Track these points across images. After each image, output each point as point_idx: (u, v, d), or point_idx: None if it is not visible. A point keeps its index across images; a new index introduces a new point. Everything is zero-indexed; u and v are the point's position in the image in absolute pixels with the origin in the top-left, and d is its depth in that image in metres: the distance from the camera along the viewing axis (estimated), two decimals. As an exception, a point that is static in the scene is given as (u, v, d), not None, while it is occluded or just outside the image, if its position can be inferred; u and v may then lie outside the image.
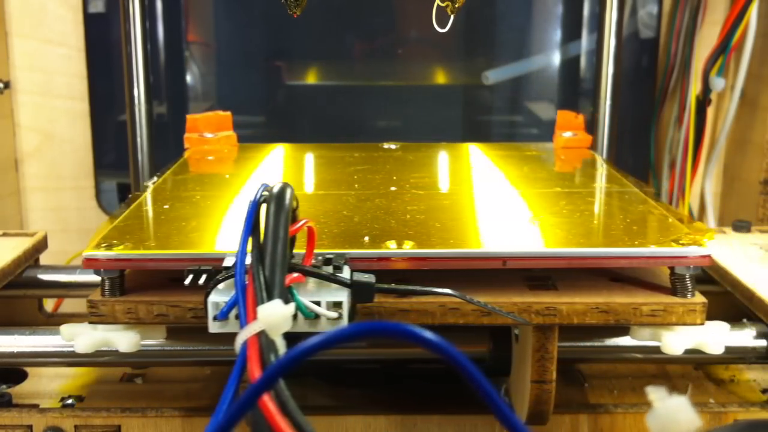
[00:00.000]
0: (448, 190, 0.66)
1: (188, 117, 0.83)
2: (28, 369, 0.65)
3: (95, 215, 1.10)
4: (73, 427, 0.57)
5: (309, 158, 0.80)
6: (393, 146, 0.84)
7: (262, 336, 0.36)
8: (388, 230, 0.55)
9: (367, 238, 0.53)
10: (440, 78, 1.13)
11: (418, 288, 0.50)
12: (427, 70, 1.13)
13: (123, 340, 0.51)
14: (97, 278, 0.69)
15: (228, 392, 0.35)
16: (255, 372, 0.35)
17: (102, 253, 0.50)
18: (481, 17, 1.09)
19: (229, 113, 0.84)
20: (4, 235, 0.73)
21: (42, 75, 1.06)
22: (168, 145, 1.11)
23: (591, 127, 1.00)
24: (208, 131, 0.83)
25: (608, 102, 0.98)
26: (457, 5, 0.61)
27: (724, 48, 0.97)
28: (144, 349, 0.55)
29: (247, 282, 0.41)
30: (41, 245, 0.72)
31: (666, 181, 1.07)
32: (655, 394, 0.31)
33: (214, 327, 0.45)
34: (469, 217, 0.58)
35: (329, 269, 0.47)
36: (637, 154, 1.10)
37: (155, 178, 0.70)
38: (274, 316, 0.37)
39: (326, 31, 1.10)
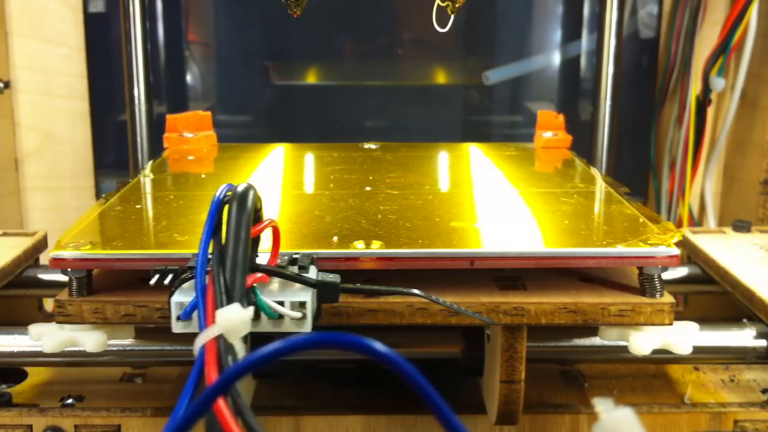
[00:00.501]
0: (422, 191, 0.66)
1: (168, 117, 0.83)
2: (28, 368, 0.65)
3: (95, 215, 1.10)
4: (73, 427, 0.57)
5: (288, 158, 0.80)
6: (373, 146, 0.84)
7: (220, 340, 0.36)
8: (358, 230, 0.55)
9: (335, 238, 0.53)
10: (440, 78, 1.13)
11: (384, 288, 0.50)
12: (427, 70, 1.13)
13: (89, 339, 0.52)
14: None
15: (186, 395, 0.35)
16: (212, 375, 0.35)
17: (69, 253, 0.50)
18: (482, 17, 1.09)
19: (209, 113, 0.84)
20: (4, 234, 0.73)
21: (42, 75, 1.06)
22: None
23: (591, 127, 1.01)
24: (188, 131, 0.83)
25: (608, 102, 0.98)
26: (457, 5, 0.61)
27: (725, 48, 0.97)
28: (142, 349, 0.55)
29: (207, 283, 0.40)
30: (41, 245, 0.72)
31: (666, 181, 1.07)
32: (602, 405, 0.31)
33: (177, 327, 0.45)
34: (440, 217, 0.58)
35: (294, 269, 0.46)
36: (637, 154, 1.10)
37: (130, 179, 0.69)
38: (232, 321, 0.37)
39: (326, 31, 1.10)
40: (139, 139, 0.99)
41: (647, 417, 0.57)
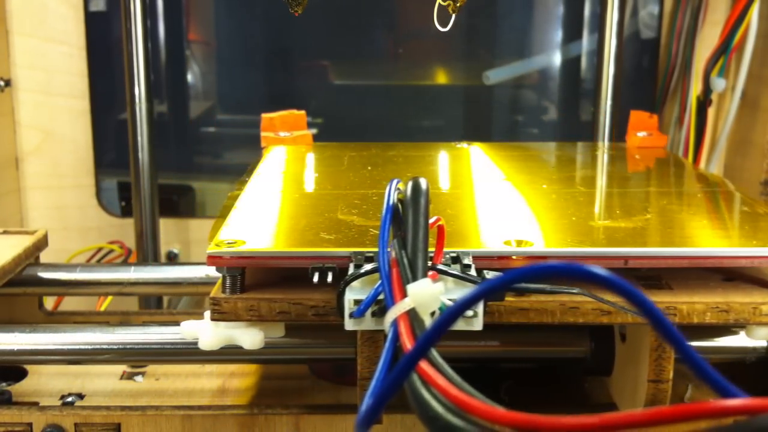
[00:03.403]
0: (543, 189, 0.66)
1: (263, 116, 0.82)
2: (28, 367, 0.65)
3: (96, 214, 1.11)
4: (73, 425, 0.57)
5: (390, 157, 0.79)
6: (465, 144, 0.83)
7: (411, 313, 0.37)
8: (499, 228, 0.54)
9: (484, 236, 0.53)
10: (441, 78, 1.13)
11: (548, 287, 0.49)
12: (427, 70, 1.13)
13: (247, 337, 0.52)
14: (96, 277, 0.71)
15: (383, 367, 0.35)
16: (408, 344, 0.35)
17: (226, 251, 0.50)
18: (483, 17, 1.09)
19: (303, 112, 0.84)
20: (5, 233, 0.73)
21: (43, 73, 1.06)
22: (169, 144, 1.11)
23: (591, 127, 1.01)
24: (284, 130, 0.83)
25: (609, 102, 0.98)
26: (458, 4, 0.61)
27: (725, 48, 0.98)
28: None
29: (390, 266, 0.41)
30: (42, 243, 0.72)
31: (666, 181, 1.07)
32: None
33: (350, 324, 0.45)
34: (576, 216, 0.58)
35: (457, 267, 0.47)
36: (638, 154, 1.10)
37: (245, 176, 0.69)
38: (423, 294, 0.37)
39: (327, 30, 1.10)
40: (139, 137, 0.99)
41: None
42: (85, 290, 0.72)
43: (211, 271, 0.70)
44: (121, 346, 0.58)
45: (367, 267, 0.46)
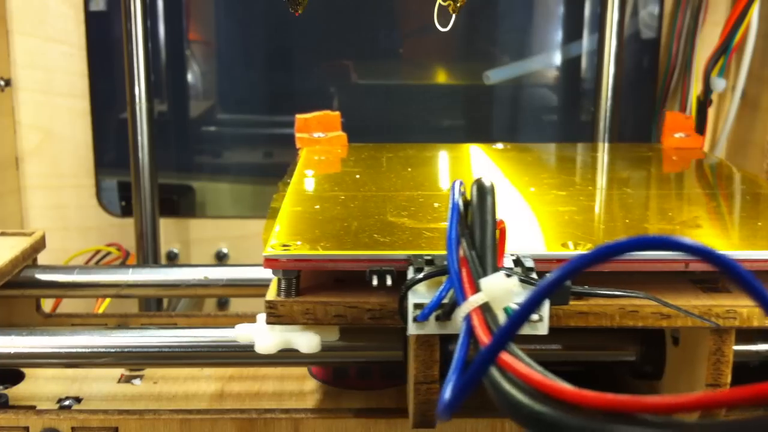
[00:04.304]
0: (587, 191, 0.65)
1: (298, 117, 0.82)
2: (25, 370, 0.65)
3: (96, 213, 1.10)
4: (70, 429, 0.57)
5: (428, 158, 0.79)
6: (500, 146, 0.83)
7: (485, 307, 0.37)
8: (553, 231, 0.54)
9: (541, 240, 0.53)
10: (441, 77, 1.13)
11: (611, 291, 0.49)
12: (428, 70, 1.13)
13: (303, 340, 0.52)
14: (94, 278, 0.71)
15: (459, 361, 0.35)
16: (484, 338, 0.35)
17: (282, 254, 0.50)
18: (484, 17, 1.09)
19: (338, 113, 0.84)
20: (2, 234, 0.73)
21: (43, 73, 1.06)
22: (169, 144, 1.11)
23: (592, 127, 1.00)
24: (319, 131, 0.82)
25: (609, 102, 0.98)
26: (458, 4, 0.61)
27: (726, 48, 0.97)
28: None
29: (459, 263, 0.42)
30: (39, 245, 0.72)
31: (667, 181, 1.07)
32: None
33: (413, 328, 0.45)
34: (629, 218, 0.57)
35: (519, 270, 0.47)
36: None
37: (286, 178, 0.69)
38: (497, 289, 0.37)
39: (327, 30, 1.10)
40: (139, 137, 0.99)
41: None
42: (83, 292, 0.72)
43: (209, 273, 0.70)
44: (119, 349, 0.58)
45: (430, 269, 0.46)
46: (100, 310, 0.87)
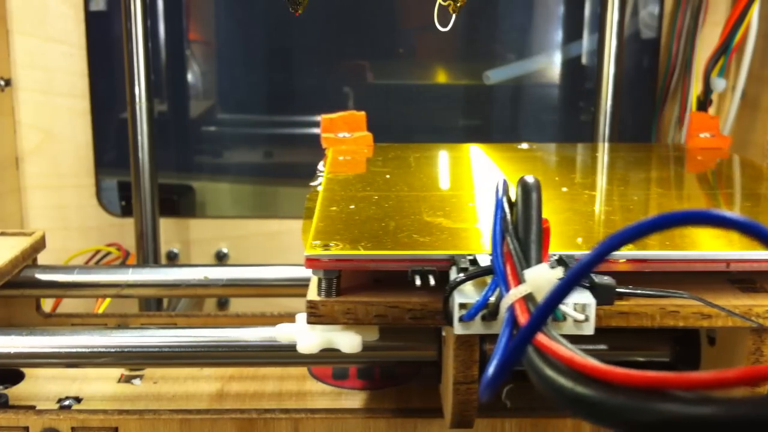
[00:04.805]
0: (617, 191, 0.66)
1: (323, 117, 0.82)
2: (25, 370, 0.65)
3: (96, 213, 1.10)
4: (70, 429, 0.57)
5: (457, 158, 0.79)
6: (525, 146, 0.83)
7: (528, 298, 0.37)
8: (587, 232, 0.54)
9: (580, 239, 0.53)
10: (441, 77, 1.13)
11: (655, 291, 0.49)
12: (428, 70, 1.13)
13: (345, 340, 0.52)
14: (94, 278, 0.71)
15: (503, 345, 0.37)
16: (522, 319, 0.36)
17: (324, 254, 0.50)
18: (484, 17, 1.09)
19: (363, 113, 0.83)
20: (2, 234, 0.73)
21: (43, 73, 1.06)
22: (169, 144, 1.11)
23: (592, 127, 1.00)
24: (344, 131, 0.82)
25: (609, 102, 0.98)
26: (459, 4, 0.61)
27: (726, 49, 0.97)
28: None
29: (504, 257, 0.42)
30: (39, 245, 0.72)
31: (667, 181, 1.07)
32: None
33: (459, 328, 0.45)
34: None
35: (562, 270, 0.47)
36: (638, 154, 1.10)
37: (319, 179, 0.69)
38: (541, 278, 0.38)
39: (327, 29, 1.10)
40: (139, 137, 0.99)
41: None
42: (83, 292, 0.72)
43: (209, 273, 0.71)
44: (118, 349, 0.58)
45: (473, 269, 0.46)
46: (100, 310, 0.87)
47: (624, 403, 0.27)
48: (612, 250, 0.29)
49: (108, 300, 0.87)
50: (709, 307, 0.49)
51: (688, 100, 1.02)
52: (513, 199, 0.46)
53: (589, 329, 0.45)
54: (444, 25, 0.61)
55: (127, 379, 0.65)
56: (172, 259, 1.11)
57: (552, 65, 1.11)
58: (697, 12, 1.02)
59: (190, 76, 1.11)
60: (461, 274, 0.46)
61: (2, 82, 1.04)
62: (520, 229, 0.44)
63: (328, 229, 0.54)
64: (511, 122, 1.14)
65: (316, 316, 0.50)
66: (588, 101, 1.10)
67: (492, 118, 1.14)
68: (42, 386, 0.64)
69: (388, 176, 0.70)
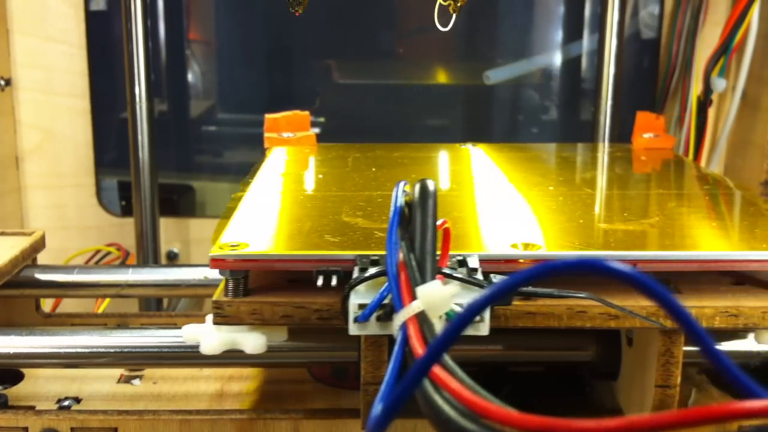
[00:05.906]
0: (550, 192, 0.65)
1: (267, 117, 0.82)
2: (24, 370, 0.65)
3: (96, 213, 1.11)
4: (69, 430, 0.57)
5: (395, 158, 0.79)
6: (470, 146, 0.82)
7: (421, 316, 0.36)
8: (505, 230, 0.54)
9: (489, 239, 0.52)
10: (441, 77, 1.13)
11: (556, 291, 0.49)
12: (428, 70, 1.13)
13: (249, 341, 0.51)
14: (94, 278, 0.71)
15: (392, 371, 0.35)
16: (419, 349, 0.35)
17: (229, 254, 0.50)
18: (484, 17, 1.09)
19: (307, 113, 0.83)
20: (2, 234, 0.73)
21: (43, 72, 1.06)
22: (169, 143, 1.11)
23: (592, 127, 1.00)
24: (288, 131, 0.82)
25: (609, 102, 0.98)
26: (459, 4, 0.61)
27: (726, 49, 0.97)
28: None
29: (398, 268, 0.41)
30: (39, 244, 0.72)
31: (667, 181, 1.07)
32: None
33: (354, 329, 0.45)
34: (584, 219, 0.57)
35: (463, 271, 0.46)
36: (638, 154, 1.10)
37: (248, 178, 0.69)
38: (433, 296, 0.37)
39: (327, 29, 1.10)
40: (139, 136, 0.99)
41: None
42: (83, 292, 0.71)
43: (209, 273, 0.70)
44: (118, 350, 0.58)
45: (373, 270, 0.46)
46: (100, 310, 0.87)
47: None
48: (498, 298, 0.30)
49: (108, 300, 0.87)
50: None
51: (688, 100, 1.02)
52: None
53: (484, 330, 0.45)
54: (444, 25, 0.61)
55: (127, 380, 0.65)
56: (172, 259, 1.11)
57: (552, 65, 1.11)
58: (697, 12, 1.02)
59: (190, 76, 1.11)
60: (360, 275, 0.46)
61: (2, 82, 1.04)
62: (417, 237, 0.42)
63: (242, 229, 0.54)
64: (511, 122, 1.14)
65: (222, 316, 0.50)
66: (588, 101, 1.10)
67: (492, 119, 1.14)
68: (41, 386, 0.64)
69: (320, 176, 0.70)
